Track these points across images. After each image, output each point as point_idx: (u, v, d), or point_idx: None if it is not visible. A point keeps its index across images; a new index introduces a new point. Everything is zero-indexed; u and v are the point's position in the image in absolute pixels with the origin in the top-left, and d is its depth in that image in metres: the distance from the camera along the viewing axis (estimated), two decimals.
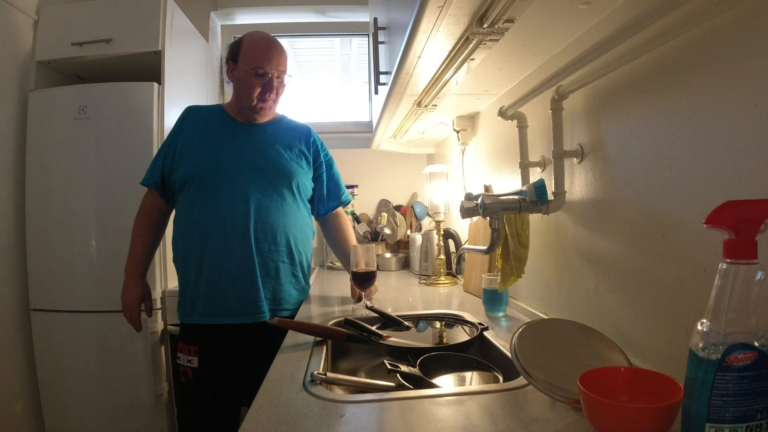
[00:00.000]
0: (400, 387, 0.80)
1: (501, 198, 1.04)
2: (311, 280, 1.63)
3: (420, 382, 0.84)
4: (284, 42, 1.39)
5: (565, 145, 1.00)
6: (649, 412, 0.55)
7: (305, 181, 1.43)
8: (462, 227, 1.85)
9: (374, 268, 1.36)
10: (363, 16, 2.62)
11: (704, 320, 0.49)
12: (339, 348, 1.17)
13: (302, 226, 1.42)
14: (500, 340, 1.02)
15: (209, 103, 2.39)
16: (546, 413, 0.66)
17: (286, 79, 1.38)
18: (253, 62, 1.31)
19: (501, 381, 0.88)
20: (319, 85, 2.94)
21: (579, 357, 0.74)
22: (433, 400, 0.72)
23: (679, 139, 0.70)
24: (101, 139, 1.83)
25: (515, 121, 1.17)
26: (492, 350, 1.02)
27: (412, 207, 2.17)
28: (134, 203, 1.46)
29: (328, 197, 1.51)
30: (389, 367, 0.87)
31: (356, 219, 2.41)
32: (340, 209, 1.56)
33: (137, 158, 1.79)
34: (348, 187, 2.31)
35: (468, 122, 1.68)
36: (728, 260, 0.48)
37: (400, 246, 2.32)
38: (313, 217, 1.53)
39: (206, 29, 2.52)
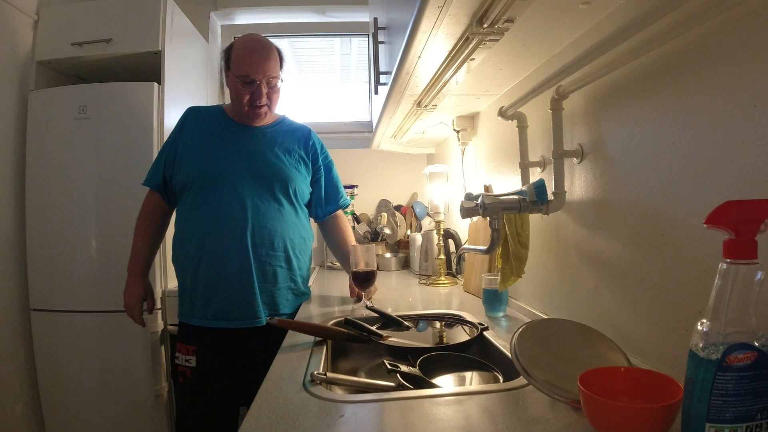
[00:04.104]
0: (400, 387, 0.80)
1: (501, 198, 1.04)
2: (311, 281, 1.63)
3: (420, 382, 0.84)
4: (284, 42, 1.38)
5: (565, 145, 1.00)
6: (649, 412, 0.55)
7: (303, 186, 1.42)
8: (462, 227, 1.85)
9: (374, 268, 1.36)
10: (363, 16, 2.62)
11: (704, 320, 0.49)
12: (339, 348, 1.17)
13: (300, 231, 1.41)
14: (500, 340, 1.02)
15: (209, 103, 2.39)
16: (546, 413, 0.66)
17: (278, 83, 1.36)
18: (240, 70, 1.29)
19: (501, 381, 0.88)
20: (319, 85, 2.94)
21: (579, 357, 0.74)
22: (433, 400, 0.72)
23: (679, 139, 0.70)
24: (101, 139, 1.83)
25: (515, 121, 1.17)
26: (492, 350, 1.02)
27: (412, 207, 2.17)
28: (134, 203, 1.47)
29: (326, 201, 1.50)
30: (389, 367, 0.87)
31: (356, 219, 2.41)
32: (338, 211, 1.56)
33: (137, 158, 1.79)
34: (348, 187, 2.31)
35: (468, 122, 1.68)
36: (728, 260, 0.48)
37: (400, 246, 2.32)
38: (312, 219, 1.53)
39: (206, 29, 2.52)
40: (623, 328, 0.84)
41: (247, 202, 1.31)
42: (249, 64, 1.29)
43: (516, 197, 1.02)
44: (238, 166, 1.33)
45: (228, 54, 1.34)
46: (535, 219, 1.17)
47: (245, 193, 1.32)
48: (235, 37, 2.69)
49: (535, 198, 1.00)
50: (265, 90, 1.32)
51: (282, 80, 1.38)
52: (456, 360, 0.97)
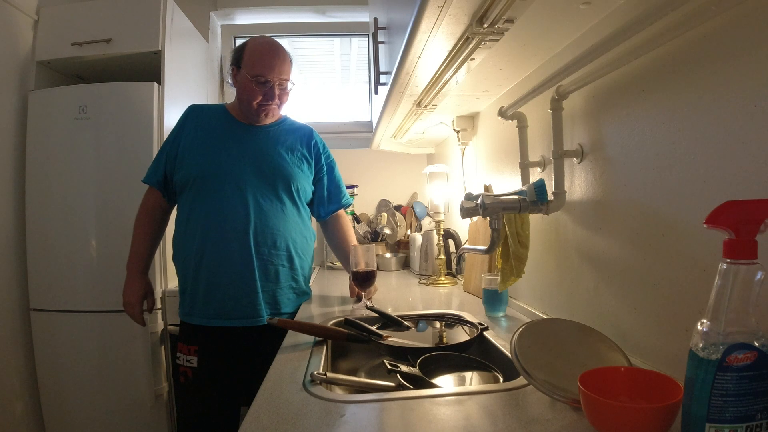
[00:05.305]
0: (400, 387, 0.80)
1: (501, 198, 1.04)
2: (311, 281, 1.63)
3: (420, 382, 0.84)
4: (284, 42, 1.39)
5: (565, 145, 1.00)
6: (649, 412, 0.55)
7: (305, 184, 1.42)
8: (462, 227, 1.85)
9: (374, 268, 1.36)
10: (363, 16, 2.62)
11: (704, 320, 0.49)
12: (339, 348, 1.17)
13: (302, 230, 1.41)
14: (500, 340, 1.02)
15: (209, 103, 2.39)
16: (546, 413, 0.66)
17: (289, 86, 1.37)
18: (254, 69, 1.30)
19: (501, 381, 0.88)
20: (319, 85, 2.94)
21: (579, 357, 0.74)
22: (433, 400, 0.72)
23: (679, 139, 0.70)
24: (101, 139, 1.83)
25: (515, 121, 1.17)
26: (492, 350, 1.02)
27: (412, 207, 2.17)
28: (134, 203, 1.46)
29: (328, 200, 1.50)
30: (389, 367, 0.87)
31: (356, 219, 2.41)
32: (340, 210, 1.56)
33: (137, 158, 1.79)
34: (348, 187, 2.31)
35: (468, 122, 1.68)
36: (728, 260, 0.48)
37: (400, 246, 2.32)
38: (313, 218, 1.53)
39: (206, 29, 2.52)
40: (623, 328, 0.84)
41: (249, 200, 1.31)
42: (264, 64, 1.30)
43: (516, 197, 1.02)
44: (241, 165, 1.33)
45: (240, 53, 1.35)
46: (535, 219, 1.17)
47: (248, 191, 1.32)
48: (235, 37, 2.72)
49: (535, 198, 1.00)
50: (277, 91, 1.33)
51: (293, 83, 1.38)
52: (456, 360, 0.97)
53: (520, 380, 0.76)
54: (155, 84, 1.85)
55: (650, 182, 0.76)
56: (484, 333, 1.06)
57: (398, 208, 2.44)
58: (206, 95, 2.40)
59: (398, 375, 0.84)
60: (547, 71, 0.97)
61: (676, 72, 0.70)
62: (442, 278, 1.75)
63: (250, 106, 1.34)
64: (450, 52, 0.99)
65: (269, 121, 1.42)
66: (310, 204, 1.49)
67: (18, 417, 1.79)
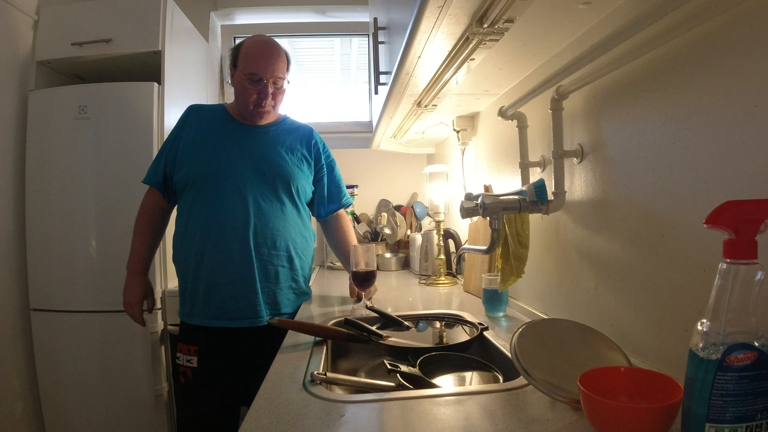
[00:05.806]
0: (400, 387, 0.80)
1: (501, 198, 1.04)
2: (311, 281, 1.63)
3: (420, 382, 0.84)
4: (284, 42, 1.39)
5: (565, 145, 1.00)
6: (649, 412, 0.55)
7: (305, 184, 1.42)
8: (462, 227, 1.85)
9: (374, 268, 1.36)
10: (363, 16, 2.62)
11: (704, 320, 0.49)
12: (339, 348, 1.17)
13: (302, 231, 1.41)
14: (500, 340, 1.02)
15: (209, 103, 2.39)
16: (546, 413, 0.66)
17: (285, 84, 1.37)
18: (248, 68, 1.30)
19: (501, 381, 0.88)
20: (319, 85, 2.94)
21: (579, 357, 0.74)
22: (433, 400, 0.72)
23: (679, 139, 0.70)
24: (101, 139, 1.83)
25: (515, 121, 1.17)
26: (492, 350, 1.02)
27: (412, 207, 2.17)
28: (134, 203, 1.47)
29: (328, 200, 1.50)
30: (389, 367, 0.87)
31: (356, 219, 2.41)
32: (340, 210, 1.56)
33: (137, 158, 1.79)
34: (348, 187, 2.32)
35: (468, 122, 1.68)
36: (728, 260, 0.48)
37: (400, 246, 2.32)
38: (313, 218, 1.53)
39: (206, 29, 2.52)
40: (623, 328, 0.84)
41: (249, 200, 1.31)
42: (258, 63, 1.30)
43: (516, 197, 1.02)
44: (240, 165, 1.33)
45: (236, 52, 1.35)
46: (535, 219, 1.17)
47: (248, 191, 1.32)
48: (235, 37, 2.72)
49: (535, 198, 1.00)
50: (271, 90, 1.33)
51: (288, 82, 1.38)
52: (456, 360, 0.97)
53: (520, 380, 0.76)
54: (155, 84, 1.85)
55: (650, 182, 0.76)
56: (484, 333, 1.06)
57: (398, 208, 2.44)
58: (206, 95, 2.40)
59: (398, 375, 0.84)
60: (547, 71, 0.97)
61: (676, 72, 0.70)
62: (442, 278, 1.75)
63: (246, 106, 1.34)
64: (450, 52, 0.99)
65: (266, 120, 1.42)
66: (310, 204, 1.49)
67: (18, 417, 1.79)
